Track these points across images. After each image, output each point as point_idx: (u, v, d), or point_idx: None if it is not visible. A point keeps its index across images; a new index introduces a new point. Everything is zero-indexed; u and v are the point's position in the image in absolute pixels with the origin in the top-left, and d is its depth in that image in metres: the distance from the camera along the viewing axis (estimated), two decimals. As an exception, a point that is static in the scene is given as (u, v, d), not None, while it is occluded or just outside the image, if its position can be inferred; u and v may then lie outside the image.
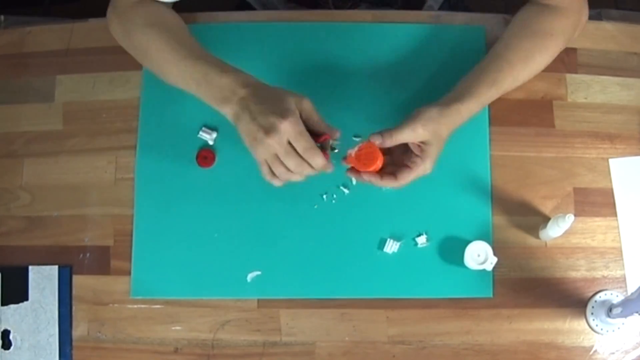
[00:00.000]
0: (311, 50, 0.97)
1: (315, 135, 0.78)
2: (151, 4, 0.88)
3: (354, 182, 0.91)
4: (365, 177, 0.80)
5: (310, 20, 0.99)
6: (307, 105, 0.78)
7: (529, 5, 0.90)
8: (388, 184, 0.81)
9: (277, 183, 0.80)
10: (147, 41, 0.84)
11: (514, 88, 0.88)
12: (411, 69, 0.96)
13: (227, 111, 0.78)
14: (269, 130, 0.74)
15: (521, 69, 0.86)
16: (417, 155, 0.81)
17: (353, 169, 0.81)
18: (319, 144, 0.78)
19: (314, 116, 0.78)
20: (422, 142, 0.80)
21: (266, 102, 0.76)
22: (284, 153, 0.75)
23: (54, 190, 0.94)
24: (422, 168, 0.80)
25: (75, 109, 0.96)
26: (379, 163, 0.79)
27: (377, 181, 0.81)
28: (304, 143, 0.76)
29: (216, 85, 0.79)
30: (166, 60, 0.83)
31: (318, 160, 0.76)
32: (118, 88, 0.97)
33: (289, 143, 0.75)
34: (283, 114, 0.74)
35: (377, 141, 0.79)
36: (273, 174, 0.79)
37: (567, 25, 0.88)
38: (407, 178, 0.80)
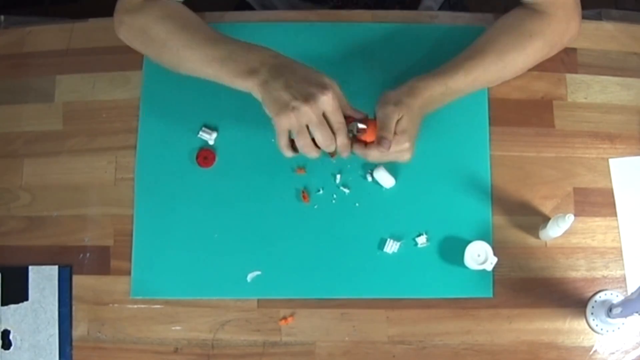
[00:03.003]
0: (311, 50, 0.97)
1: None
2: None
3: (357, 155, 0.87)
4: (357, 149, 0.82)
5: (310, 20, 0.99)
6: (337, 87, 0.79)
7: (518, 7, 0.91)
8: (359, 152, 0.81)
9: (289, 154, 0.81)
10: (165, 31, 0.85)
11: (488, 83, 0.89)
12: (411, 69, 0.96)
13: (254, 82, 0.78)
14: (307, 99, 0.75)
15: (492, 62, 0.87)
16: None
17: (359, 142, 0.82)
18: None
19: (342, 99, 0.79)
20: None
21: (301, 73, 0.78)
22: (318, 123, 0.76)
23: (54, 190, 0.94)
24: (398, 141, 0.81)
25: (75, 109, 0.96)
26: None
27: (362, 151, 0.81)
28: (339, 117, 0.77)
29: (243, 60, 0.79)
30: (186, 45, 0.83)
31: (344, 138, 0.78)
32: (118, 88, 0.97)
33: (323, 115, 0.76)
34: (323, 85, 0.76)
35: (386, 146, 0.79)
36: (289, 145, 0.79)
37: (549, 31, 0.89)
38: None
